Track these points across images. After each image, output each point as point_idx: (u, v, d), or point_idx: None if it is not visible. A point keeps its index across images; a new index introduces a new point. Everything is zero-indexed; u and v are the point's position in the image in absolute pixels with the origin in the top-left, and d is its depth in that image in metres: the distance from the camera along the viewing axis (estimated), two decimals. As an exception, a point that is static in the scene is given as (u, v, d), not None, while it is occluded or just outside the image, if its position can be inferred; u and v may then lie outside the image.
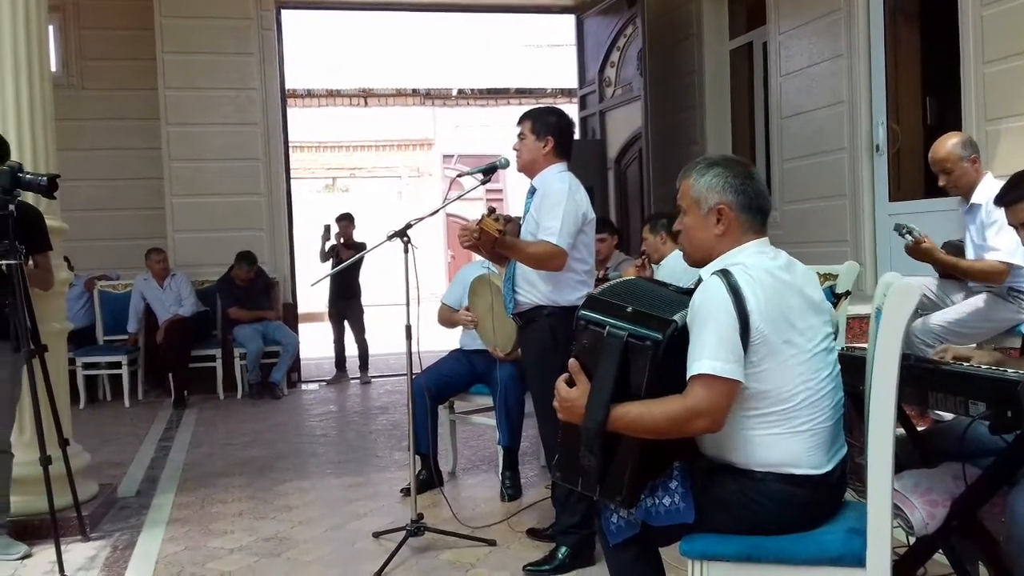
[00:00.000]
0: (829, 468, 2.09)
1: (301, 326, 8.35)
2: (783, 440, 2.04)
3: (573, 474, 2.15)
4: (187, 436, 6.02)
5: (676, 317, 2.03)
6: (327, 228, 8.48)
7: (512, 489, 4.33)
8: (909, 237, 3.72)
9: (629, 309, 2.06)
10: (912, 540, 2.35)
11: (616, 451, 2.06)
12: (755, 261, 2.08)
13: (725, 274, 2.02)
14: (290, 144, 8.58)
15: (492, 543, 3.62)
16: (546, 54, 18.38)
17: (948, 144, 3.76)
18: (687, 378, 1.98)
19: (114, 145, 8.12)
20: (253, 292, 7.70)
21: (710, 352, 1.95)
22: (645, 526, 2.12)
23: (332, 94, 18.58)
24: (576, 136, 3.69)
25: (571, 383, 2.10)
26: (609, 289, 2.23)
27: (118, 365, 7.33)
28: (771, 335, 2.00)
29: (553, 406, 2.16)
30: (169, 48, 7.85)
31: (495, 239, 3.23)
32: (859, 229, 5.64)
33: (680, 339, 2.02)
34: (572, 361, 2.11)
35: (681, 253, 5.23)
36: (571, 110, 5.27)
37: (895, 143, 5.57)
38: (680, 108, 7.87)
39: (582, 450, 2.06)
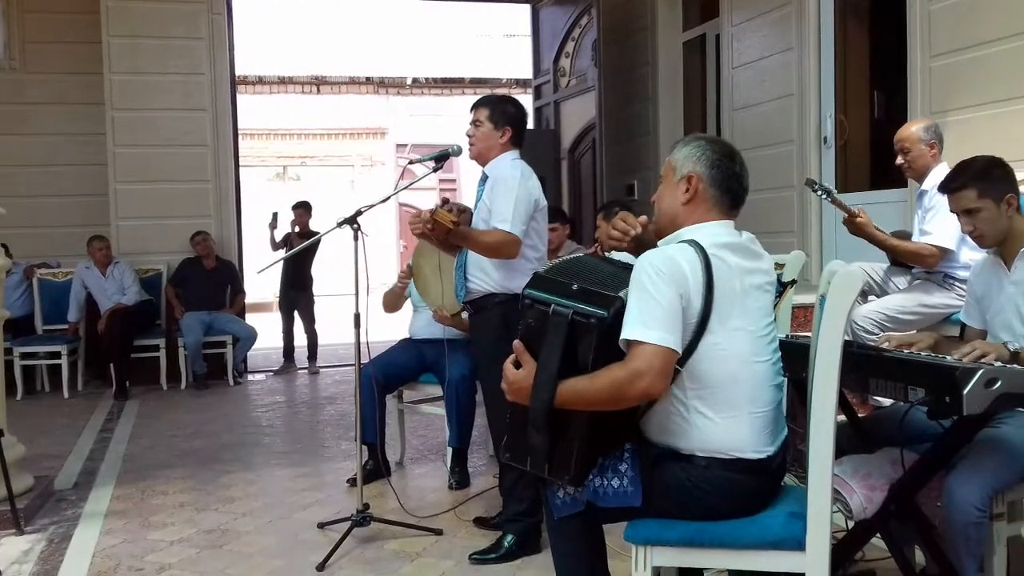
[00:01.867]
0: (772, 451, 2.10)
1: (248, 316, 8.22)
2: (728, 423, 2.05)
3: (522, 454, 2.15)
4: (128, 427, 5.88)
5: (622, 293, 2.03)
6: (275, 215, 8.35)
7: (460, 476, 4.31)
8: (822, 194, 3.76)
9: (574, 287, 2.06)
10: (851, 524, 2.37)
11: (564, 429, 2.06)
12: (709, 240, 2.07)
13: (670, 248, 2.05)
14: (240, 131, 8.41)
15: (439, 532, 3.60)
16: (501, 44, 18.33)
17: (913, 126, 3.85)
18: (621, 341, 1.98)
19: (56, 130, 7.92)
20: (213, 284, 7.57)
21: (638, 318, 1.95)
22: (590, 505, 2.12)
23: (284, 81, 18.31)
24: (530, 126, 3.67)
25: (518, 365, 2.09)
26: (555, 267, 2.22)
27: (57, 355, 7.14)
28: (711, 315, 2.01)
29: (501, 388, 2.14)
30: (115, 32, 7.64)
31: (448, 230, 3.19)
32: (806, 220, 5.71)
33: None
34: (517, 342, 2.10)
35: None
36: (525, 100, 5.24)
37: (843, 136, 5.65)
38: (634, 99, 7.89)
39: (530, 429, 2.06)
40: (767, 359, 2.10)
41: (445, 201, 3.37)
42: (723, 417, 2.05)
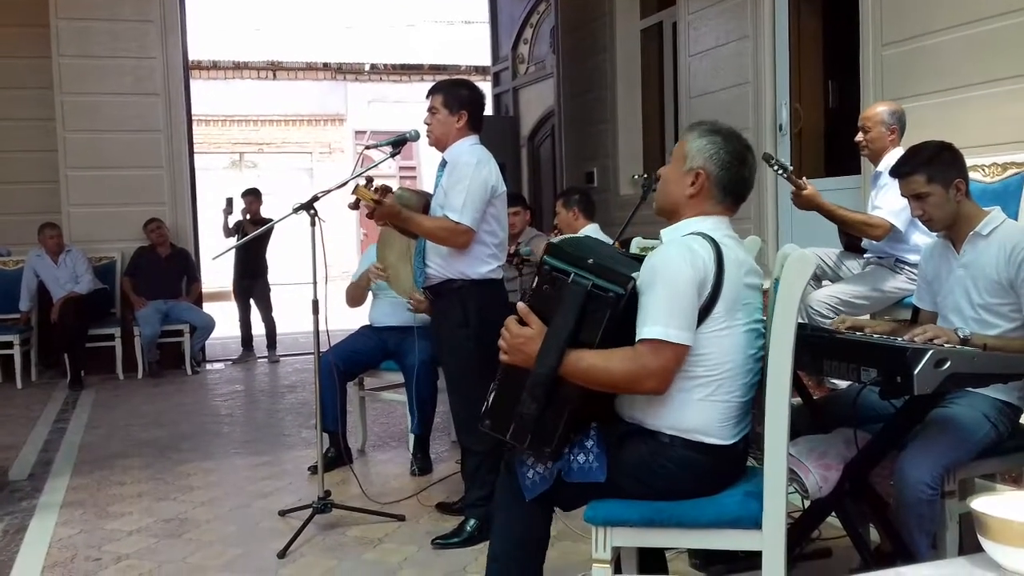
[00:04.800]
0: (733, 441, 2.14)
1: (206, 304, 8.11)
2: (701, 405, 2.09)
3: (504, 423, 2.16)
4: (84, 417, 5.79)
5: (634, 275, 2.07)
6: (229, 201, 8.22)
7: (422, 462, 4.32)
8: (778, 169, 3.80)
9: (590, 261, 2.09)
10: (807, 503, 2.42)
11: (554, 401, 2.08)
12: (717, 236, 2.13)
13: (687, 240, 2.09)
14: (194, 117, 8.28)
15: (401, 518, 3.60)
16: (460, 30, 18.24)
17: (880, 107, 3.90)
18: (637, 339, 2.01)
19: (4, 115, 7.68)
20: (168, 272, 7.46)
21: (663, 318, 2.00)
22: (558, 481, 2.14)
23: (239, 66, 17.99)
24: (489, 112, 3.67)
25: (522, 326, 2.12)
26: (567, 240, 2.26)
27: (9, 345, 6.98)
28: (718, 303, 2.06)
29: (499, 346, 2.15)
30: (63, 14, 7.46)
31: (373, 208, 3.17)
32: (762, 206, 5.79)
33: (634, 297, 2.05)
34: (522, 304, 2.13)
35: (593, 228, 5.29)
36: (484, 87, 5.22)
37: (798, 123, 5.72)
38: (592, 87, 7.90)
39: (524, 395, 2.08)
40: (752, 352, 2.15)
41: (369, 180, 3.34)
42: (697, 398, 2.09)
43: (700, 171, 2.18)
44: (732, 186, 2.19)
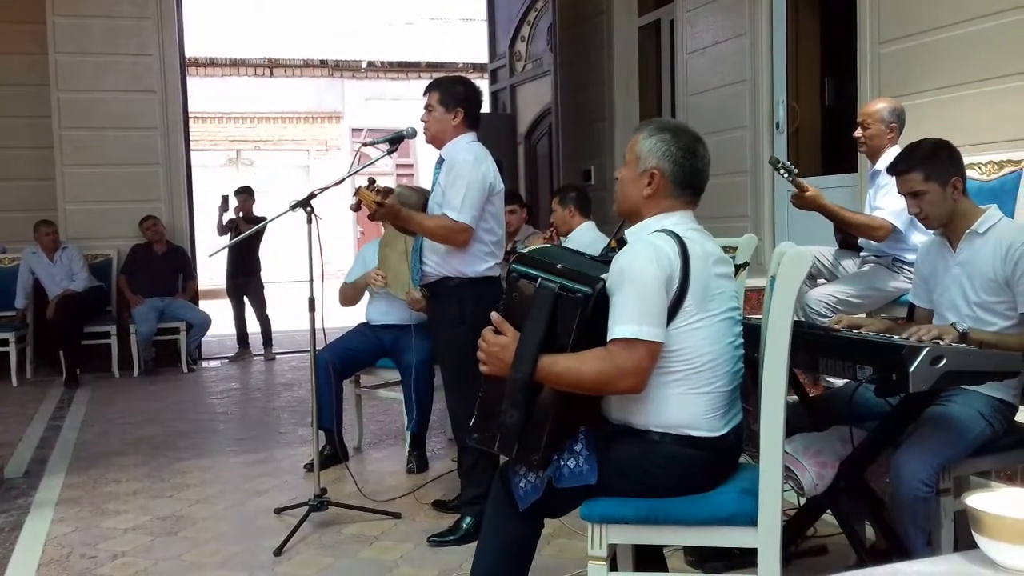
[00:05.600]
0: (723, 432, 2.14)
1: (203, 302, 8.10)
2: (683, 400, 2.09)
3: (490, 436, 2.16)
4: (79, 415, 5.78)
5: (603, 276, 2.08)
6: (225, 199, 8.23)
7: (419, 460, 4.31)
8: (784, 172, 3.78)
9: (559, 266, 2.10)
10: (803, 501, 2.43)
11: (535, 408, 2.09)
12: (681, 230, 2.14)
13: (652, 238, 2.09)
14: (191, 114, 8.27)
15: (397, 516, 3.60)
16: (457, 28, 18.23)
17: (880, 103, 3.88)
18: (608, 340, 2.02)
19: (0, 112, 7.69)
20: (164, 269, 7.45)
21: (634, 316, 2.00)
22: (549, 487, 2.14)
23: (236, 63, 17.99)
24: (486, 110, 3.66)
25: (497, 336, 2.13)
26: (537, 250, 2.29)
27: (5, 343, 6.96)
28: (687, 297, 2.06)
29: (477, 357, 2.16)
30: (60, 11, 7.46)
31: (375, 210, 3.19)
32: (759, 204, 5.79)
33: (604, 298, 2.06)
34: (495, 314, 2.13)
35: (589, 225, 5.29)
36: (482, 84, 5.22)
37: (795, 121, 5.72)
38: (589, 84, 7.90)
39: (505, 404, 2.08)
40: (730, 341, 2.15)
41: (372, 181, 3.35)
42: (682, 392, 2.09)
43: (654, 171, 2.19)
44: (688, 180, 2.21)
